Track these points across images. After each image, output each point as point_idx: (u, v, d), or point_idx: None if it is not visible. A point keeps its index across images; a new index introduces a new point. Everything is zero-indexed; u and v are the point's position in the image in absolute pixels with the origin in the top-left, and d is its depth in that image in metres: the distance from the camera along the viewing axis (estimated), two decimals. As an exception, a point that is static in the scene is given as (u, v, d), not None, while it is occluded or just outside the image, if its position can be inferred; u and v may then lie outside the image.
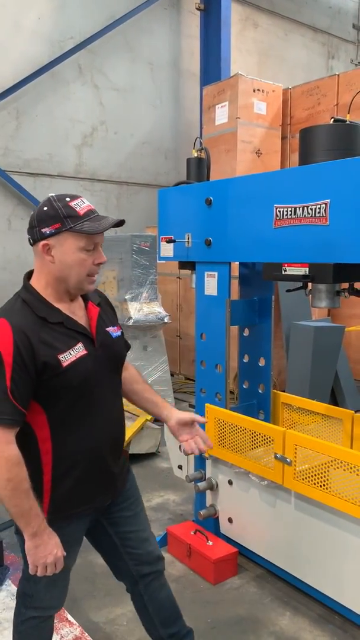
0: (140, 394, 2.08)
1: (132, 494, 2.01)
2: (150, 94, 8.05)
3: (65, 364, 1.66)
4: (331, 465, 2.60)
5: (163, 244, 3.14)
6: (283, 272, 2.58)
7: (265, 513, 2.75)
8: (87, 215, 1.69)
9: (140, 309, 5.45)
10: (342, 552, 2.46)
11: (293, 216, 2.46)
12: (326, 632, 2.50)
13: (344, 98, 6.53)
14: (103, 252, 1.79)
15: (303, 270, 2.49)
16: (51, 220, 1.67)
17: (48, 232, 1.67)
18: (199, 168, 3.18)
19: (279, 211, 2.50)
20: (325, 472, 2.56)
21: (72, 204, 1.69)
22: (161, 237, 3.16)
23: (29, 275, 1.81)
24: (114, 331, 1.89)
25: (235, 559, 2.94)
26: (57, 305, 1.74)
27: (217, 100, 6.96)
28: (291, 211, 2.47)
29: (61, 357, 1.67)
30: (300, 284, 2.66)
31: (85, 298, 1.87)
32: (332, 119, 2.49)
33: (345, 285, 2.60)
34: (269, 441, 2.62)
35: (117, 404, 1.93)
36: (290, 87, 7.10)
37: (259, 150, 6.89)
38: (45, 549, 1.65)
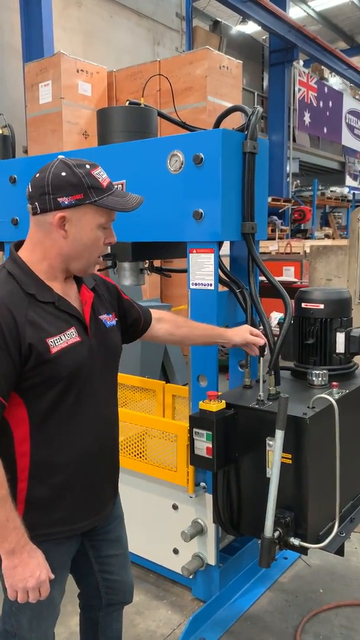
0: (194, 333, 2.01)
1: (118, 513, 1.82)
2: (-33, 67, 7.57)
3: (54, 350, 1.43)
4: (146, 435, 2.75)
5: (-31, 225, 3.01)
6: (88, 251, 2.63)
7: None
8: (109, 189, 1.49)
9: None
10: (155, 515, 2.62)
11: (93, 196, 2.51)
12: (140, 590, 2.65)
13: (165, 84, 6.72)
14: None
15: (106, 249, 2.56)
16: (72, 189, 1.43)
17: (67, 202, 1.43)
18: (4, 145, 3.09)
19: (81, 191, 2.54)
20: (140, 441, 2.68)
21: (94, 172, 1.47)
22: (-34, 217, 3.03)
23: (17, 245, 1.56)
24: (107, 320, 1.65)
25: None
26: (48, 283, 1.50)
27: (40, 79, 6.76)
28: (91, 191, 2.51)
29: (50, 341, 1.43)
30: (109, 263, 2.74)
31: (79, 281, 1.62)
32: (127, 102, 2.57)
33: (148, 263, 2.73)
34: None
35: (112, 405, 1.69)
36: (114, 70, 7.13)
37: (85, 131, 6.84)
38: (25, 570, 1.40)
